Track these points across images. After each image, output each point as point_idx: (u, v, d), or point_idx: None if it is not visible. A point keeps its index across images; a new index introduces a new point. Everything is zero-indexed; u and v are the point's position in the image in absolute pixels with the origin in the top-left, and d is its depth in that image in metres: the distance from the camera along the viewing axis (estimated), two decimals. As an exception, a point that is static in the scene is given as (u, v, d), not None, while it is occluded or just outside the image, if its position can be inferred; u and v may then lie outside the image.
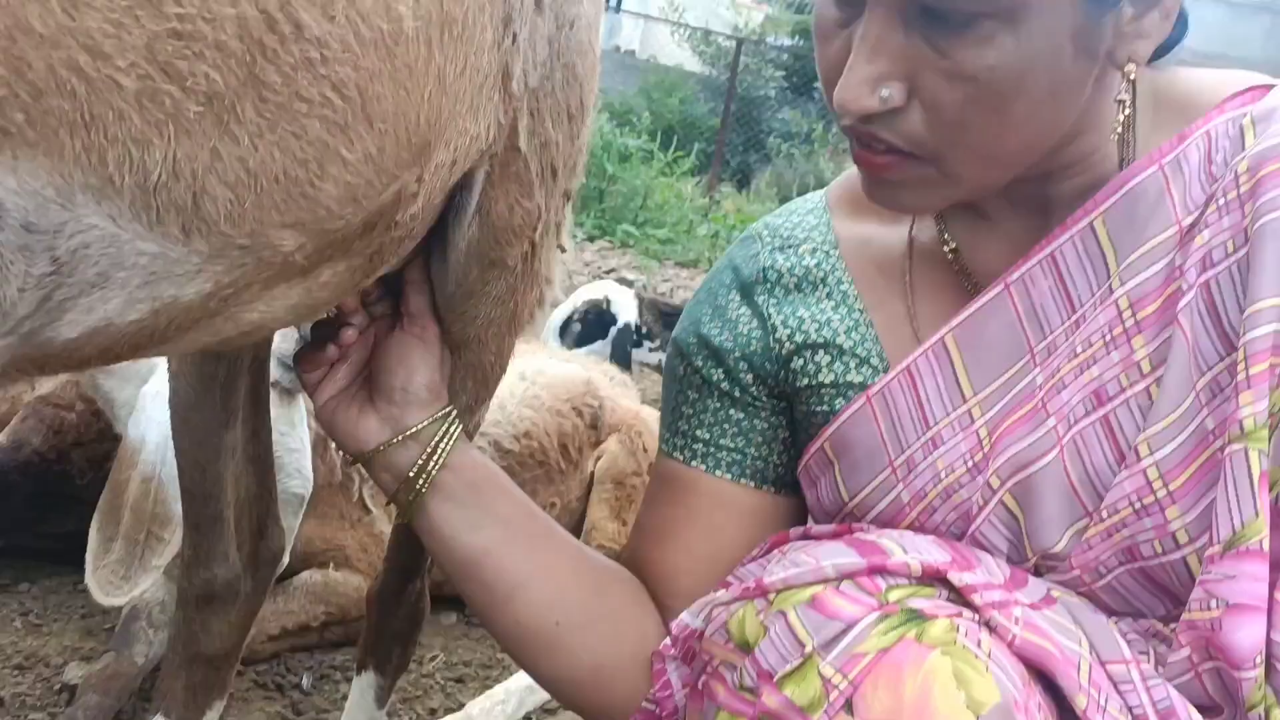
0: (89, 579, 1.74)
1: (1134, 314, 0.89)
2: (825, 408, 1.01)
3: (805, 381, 1.02)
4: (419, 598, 1.45)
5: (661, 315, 4.20)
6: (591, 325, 4.04)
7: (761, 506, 1.05)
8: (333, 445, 2.17)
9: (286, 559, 1.82)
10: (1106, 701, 0.82)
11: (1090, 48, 0.84)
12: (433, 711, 1.90)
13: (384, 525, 2.21)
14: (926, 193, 0.90)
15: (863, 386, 1.00)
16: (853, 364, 1.00)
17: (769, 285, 1.04)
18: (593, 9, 1.19)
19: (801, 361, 1.02)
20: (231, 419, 1.31)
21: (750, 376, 1.04)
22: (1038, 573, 0.92)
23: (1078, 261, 0.93)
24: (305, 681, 1.93)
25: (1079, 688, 0.81)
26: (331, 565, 2.12)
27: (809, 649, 0.82)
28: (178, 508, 1.63)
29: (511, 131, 1.08)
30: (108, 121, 0.71)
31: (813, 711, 0.80)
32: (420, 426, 1.07)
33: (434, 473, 1.06)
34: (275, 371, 1.84)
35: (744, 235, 1.09)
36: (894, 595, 0.84)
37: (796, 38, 18.91)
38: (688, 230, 8.60)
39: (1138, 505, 0.87)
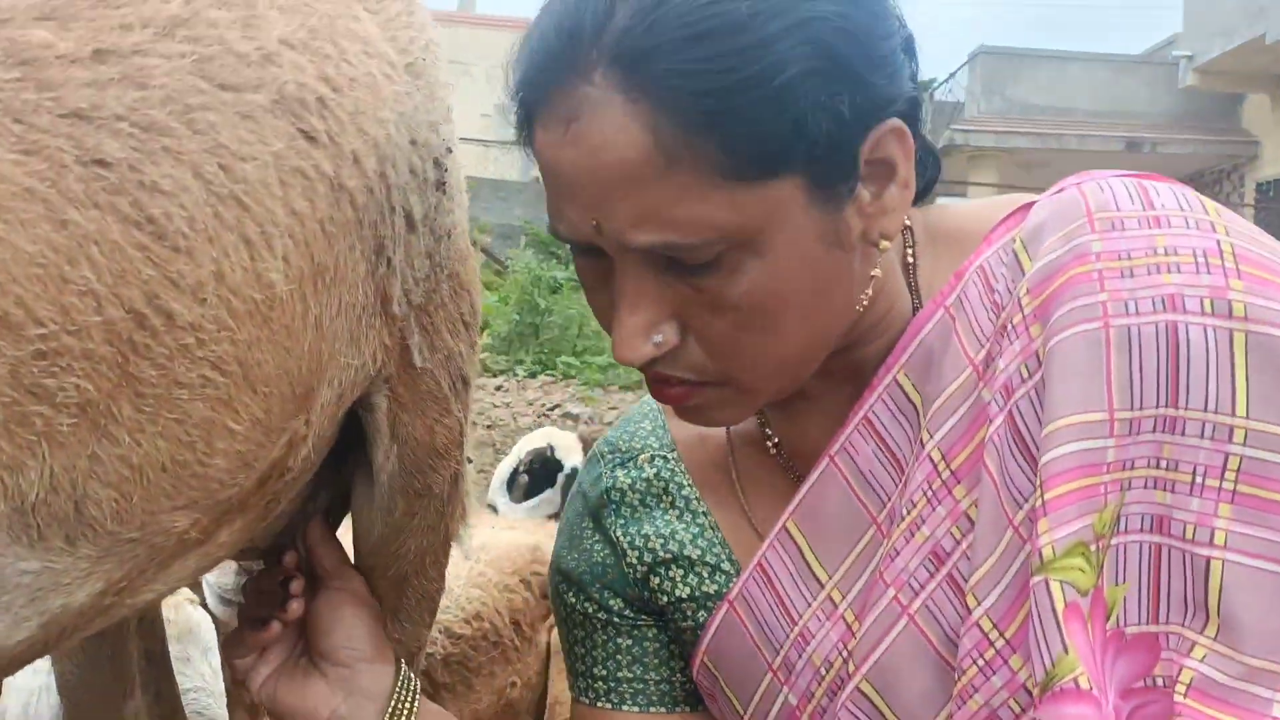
0: None
1: (948, 464, 0.87)
2: (690, 622, 0.99)
3: (665, 599, 1.00)
4: None
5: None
6: (538, 475, 4.01)
7: None
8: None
9: None
10: None
11: (841, 241, 0.84)
12: None
13: None
14: (731, 408, 0.90)
15: (719, 595, 0.98)
16: (705, 573, 0.99)
17: (614, 506, 1.03)
18: (463, 214, 1.20)
19: (657, 579, 1.00)
20: (130, 688, 1.27)
21: (619, 603, 1.02)
22: None
23: (892, 419, 0.91)
24: None
25: None
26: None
27: None
28: None
29: (402, 351, 1.07)
30: None
31: None
32: (381, 689, 1.07)
33: None
34: (212, 605, 1.77)
35: (589, 455, 1.08)
36: None
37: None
38: (627, 352, 8.66)
39: (980, 661, 0.83)
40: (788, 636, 0.94)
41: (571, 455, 4.04)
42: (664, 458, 1.03)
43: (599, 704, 1.03)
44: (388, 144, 1.02)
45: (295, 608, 1.08)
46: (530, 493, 3.96)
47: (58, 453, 0.74)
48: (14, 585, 0.76)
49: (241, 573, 1.62)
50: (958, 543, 0.86)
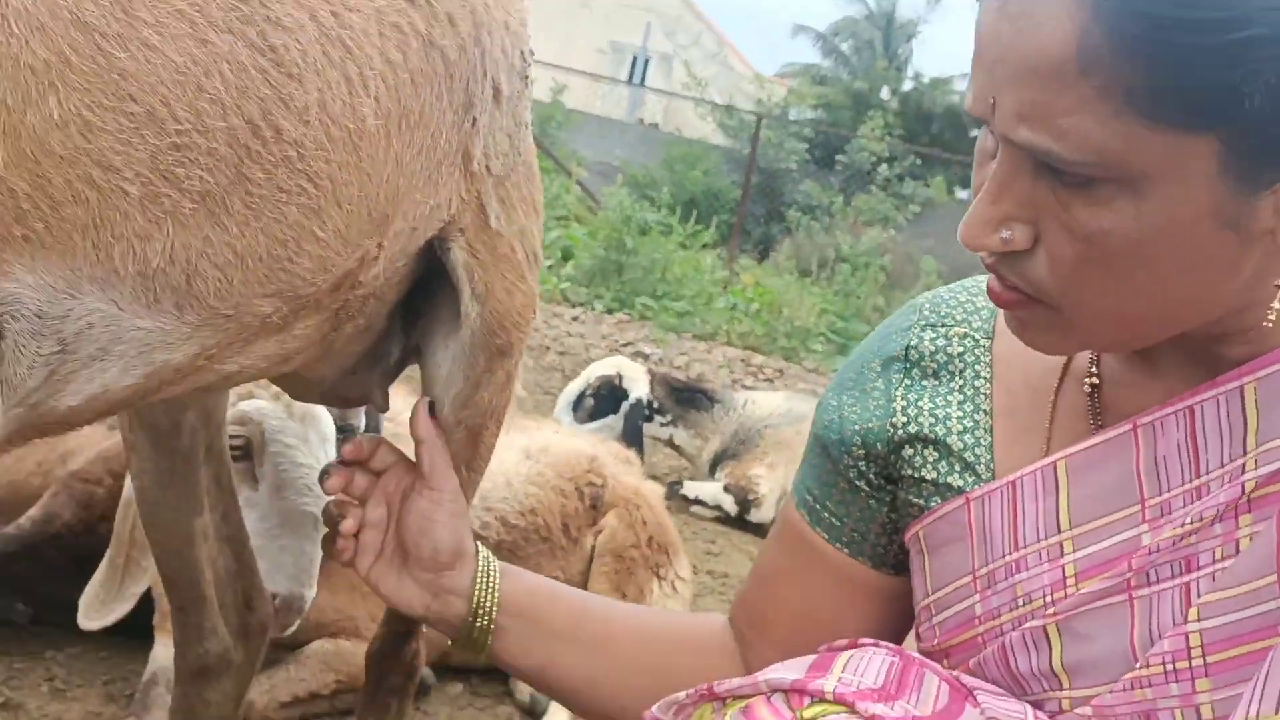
0: (81, 601, 1.81)
1: (1250, 494, 0.83)
2: (923, 502, 1.00)
3: (910, 472, 1.01)
4: (414, 655, 1.54)
5: (673, 391, 4.31)
6: (604, 400, 4.14)
7: (858, 575, 1.06)
8: (346, 519, 2.27)
9: (313, 591, 1.86)
10: None
11: (1239, 226, 0.78)
12: (435, 778, 1.98)
13: (393, 597, 2.30)
14: (1052, 336, 0.88)
15: (960, 491, 0.98)
16: (958, 467, 0.99)
17: (908, 365, 1.03)
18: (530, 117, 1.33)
19: (911, 452, 1.01)
20: (197, 507, 1.41)
21: (862, 453, 1.04)
22: (1063, 709, 0.90)
23: (1215, 423, 0.87)
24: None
25: None
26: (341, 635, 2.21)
27: None
28: None
29: (479, 209, 1.20)
30: (114, 222, 0.84)
31: None
32: (463, 586, 1.14)
33: (488, 628, 1.14)
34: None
35: (908, 303, 1.08)
36: (809, 713, 0.87)
37: (819, 110, 19.22)
38: (706, 303, 8.72)
39: (1170, 667, 0.83)
40: (1003, 556, 0.94)
41: (637, 387, 4.17)
42: (975, 340, 1.02)
43: (801, 511, 1.08)
44: (484, 13, 1.15)
45: (349, 527, 1.14)
46: (594, 416, 4.11)
47: (179, 231, 0.88)
48: (129, 338, 0.90)
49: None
50: (1215, 562, 0.84)
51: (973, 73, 0.82)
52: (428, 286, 1.25)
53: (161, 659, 1.99)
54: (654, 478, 3.41)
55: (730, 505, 4.03)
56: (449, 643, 1.18)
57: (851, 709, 0.86)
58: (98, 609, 1.81)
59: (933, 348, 1.02)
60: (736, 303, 8.88)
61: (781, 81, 21.38)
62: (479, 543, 1.19)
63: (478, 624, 1.14)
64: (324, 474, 1.17)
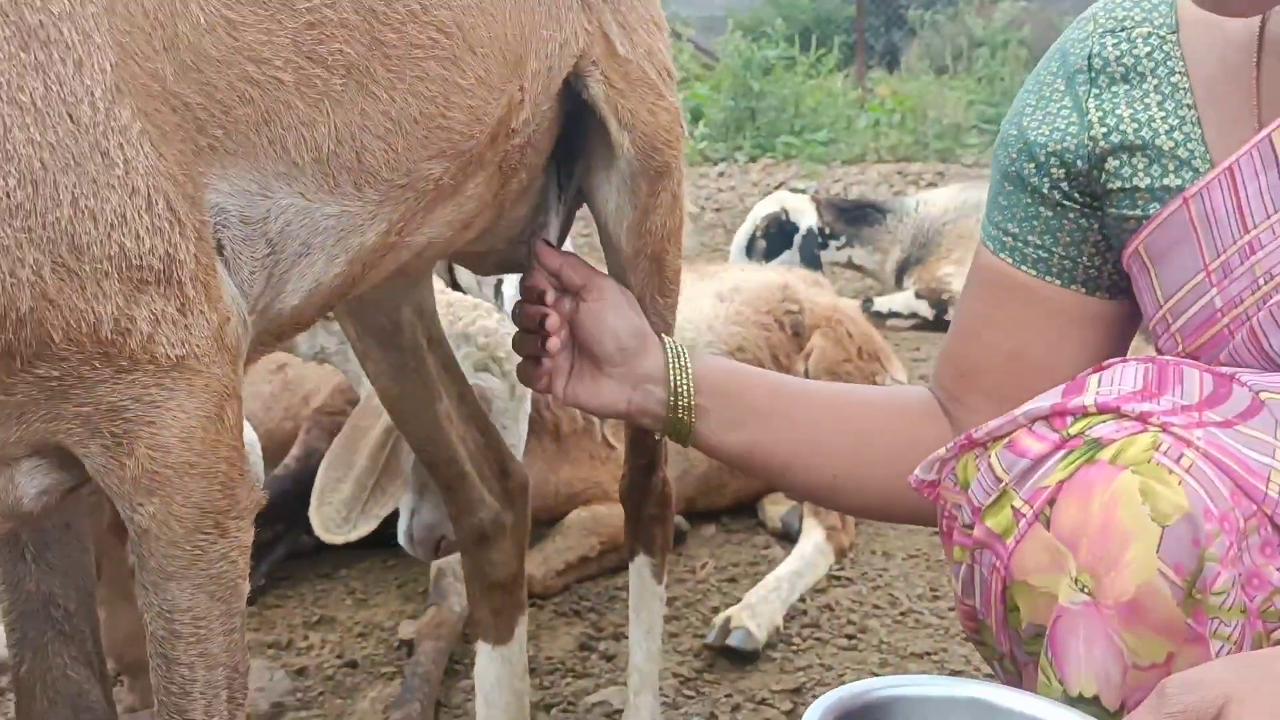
0: (312, 513, 1.90)
1: None
2: (1139, 212, 0.98)
3: (1118, 184, 0.99)
4: (664, 485, 1.60)
5: (841, 212, 4.25)
6: (775, 239, 4.13)
7: (1070, 305, 1.06)
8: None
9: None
10: None
11: None
12: (714, 609, 2.08)
13: (631, 457, 2.40)
14: None
15: (1178, 190, 0.96)
16: (1171, 166, 0.97)
17: (1093, 74, 1.01)
18: None
19: (1117, 163, 0.99)
20: (435, 394, 1.48)
21: (1062, 172, 1.02)
22: None
23: None
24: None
25: (1265, 497, 0.82)
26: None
27: (1004, 484, 0.89)
28: (408, 465, 1.83)
29: (605, 39, 1.20)
30: (280, 114, 0.88)
31: (1007, 537, 0.88)
32: (661, 368, 1.18)
33: (689, 405, 1.17)
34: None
35: (1080, 16, 1.06)
36: (1075, 428, 0.88)
37: (914, -100, 18.08)
38: (847, 127, 8.50)
39: None
40: (1234, 242, 0.92)
41: (805, 216, 4.13)
42: (1161, 38, 0.99)
43: (1001, 254, 1.08)
44: None
45: (553, 343, 1.18)
46: (769, 256, 4.10)
47: (337, 110, 0.90)
48: (324, 229, 0.94)
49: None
50: None
51: None
52: (576, 130, 1.26)
53: (448, 556, 2.14)
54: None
55: (926, 310, 3.98)
56: (656, 436, 1.21)
57: (1117, 413, 0.86)
58: (340, 524, 1.92)
59: (1118, 52, 1.00)
60: (879, 118, 8.60)
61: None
62: (662, 335, 1.22)
63: (679, 403, 1.17)
64: (535, 300, 1.21)
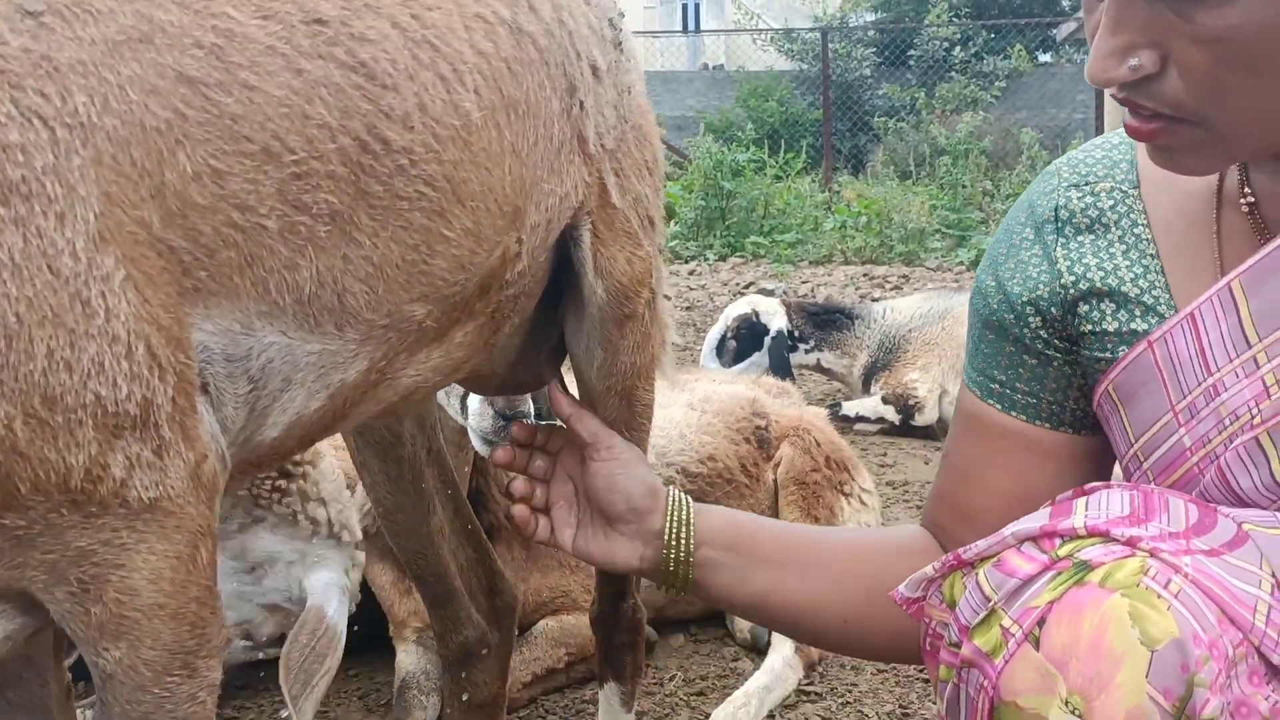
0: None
1: None
2: (1109, 354, 1.01)
3: (1089, 328, 1.02)
4: (634, 611, 1.61)
5: (811, 316, 4.30)
6: (745, 339, 4.17)
7: (1062, 446, 1.07)
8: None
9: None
10: None
11: None
12: (683, 725, 2.05)
13: (600, 565, 2.38)
14: (1203, 155, 0.89)
15: (1144, 334, 0.99)
16: (1138, 312, 1.00)
17: (1060, 225, 1.04)
18: (639, 75, 1.34)
19: (1087, 308, 1.02)
20: (430, 506, 1.49)
21: (1039, 320, 1.05)
22: None
23: None
24: None
25: (1252, 626, 0.83)
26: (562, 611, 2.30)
27: (993, 603, 0.89)
28: (339, 631, 1.77)
29: (601, 189, 1.22)
30: (263, 258, 0.89)
31: (995, 656, 0.88)
32: (663, 528, 1.19)
33: (685, 559, 1.18)
34: (477, 446, 1.99)
35: (1044, 171, 1.09)
36: (1064, 550, 0.88)
37: (878, 12, 18.71)
38: (814, 228, 8.65)
39: None
40: (1199, 384, 0.95)
41: (776, 319, 4.18)
42: (1124, 192, 1.02)
43: (989, 400, 1.10)
44: None
45: (519, 487, 1.22)
46: (739, 357, 4.13)
47: (320, 255, 0.92)
48: (305, 364, 0.95)
49: (497, 417, 1.85)
50: None
51: None
52: (559, 269, 1.28)
53: (407, 665, 2.11)
54: (811, 405, 3.42)
55: (893, 415, 4.02)
56: (663, 589, 1.22)
57: (1106, 537, 0.87)
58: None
59: (1082, 205, 1.03)
60: (845, 220, 8.77)
61: (834, -9, 20.85)
62: (669, 488, 1.23)
63: (674, 556, 1.18)
64: (490, 446, 1.23)
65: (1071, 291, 1.03)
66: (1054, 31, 15.63)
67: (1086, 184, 1.05)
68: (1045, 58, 16.71)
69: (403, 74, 0.96)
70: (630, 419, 1.36)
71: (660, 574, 1.20)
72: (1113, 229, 1.02)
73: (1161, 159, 0.91)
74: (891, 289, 6.89)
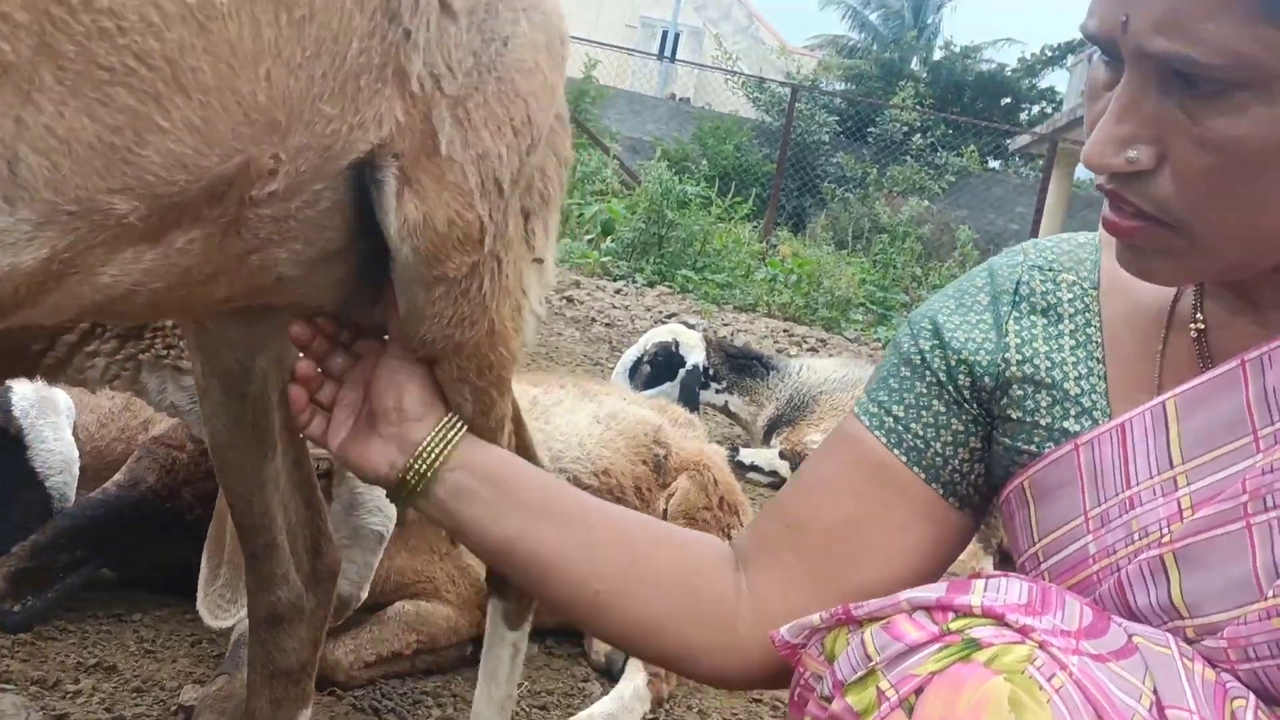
0: (200, 605, 1.83)
1: None
2: (1033, 447, 1.01)
3: (1018, 415, 1.01)
4: None
5: (729, 358, 4.29)
6: (660, 367, 4.14)
7: (923, 500, 1.05)
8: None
9: (365, 594, 1.92)
10: None
11: None
12: (520, 736, 1.99)
13: (471, 558, 2.31)
14: (1174, 263, 0.88)
15: (1074, 435, 0.98)
16: (1073, 411, 0.99)
17: (1018, 299, 1.03)
18: (534, 31, 1.18)
19: (1021, 394, 1.01)
20: (270, 451, 1.36)
21: (966, 380, 1.04)
22: (1193, 640, 0.90)
23: None
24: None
25: None
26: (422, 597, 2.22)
27: (874, 663, 0.88)
28: None
29: (425, 134, 1.07)
30: None
31: (866, 716, 0.86)
32: (424, 439, 1.13)
33: (425, 473, 1.11)
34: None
35: (1010, 249, 1.08)
36: (956, 625, 0.87)
37: (848, 83, 19.06)
38: (745, 275, 8.70)
39: None
40: (1116, 495, 0.94)
41: (695, 352, 4.16)
42: (1083, 289, 1.02)
43: (876, 432, 1.06)
44: None
45: (296, 394, 1.15)
46: (651, 382, 4.10)
47: None
48: None
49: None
50: None
51: None
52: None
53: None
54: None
55: (786, 471, 4.01)
56: (390, 496, 1.14)
57: (1000, 620, 0.86)
58: (225, 607, 1.81)
59: (1043, 289, 1.03)
60: (776, 274, 8.85)
61: (810, 53, 21.22)
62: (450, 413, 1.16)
63: (417, 465, 1.11)
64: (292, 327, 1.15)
65: (1012, 369, 1.01)
66: (1009, 141, 16.10)
67: (1051, 270, 1.04)
68: (994, 164, 17.19)
69: None
70: (458, 388, 1.21)
71: (396, 476, 1.12)
72: (1066, 321, 1.02)
73: (1129, 259, 0.91)
74: (808, 349, 6.95)
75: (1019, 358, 1.01)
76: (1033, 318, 1.02)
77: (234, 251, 1.01)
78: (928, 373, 1.05)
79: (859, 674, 0.88)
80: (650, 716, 2.20)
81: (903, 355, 1.08)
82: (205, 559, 1.87)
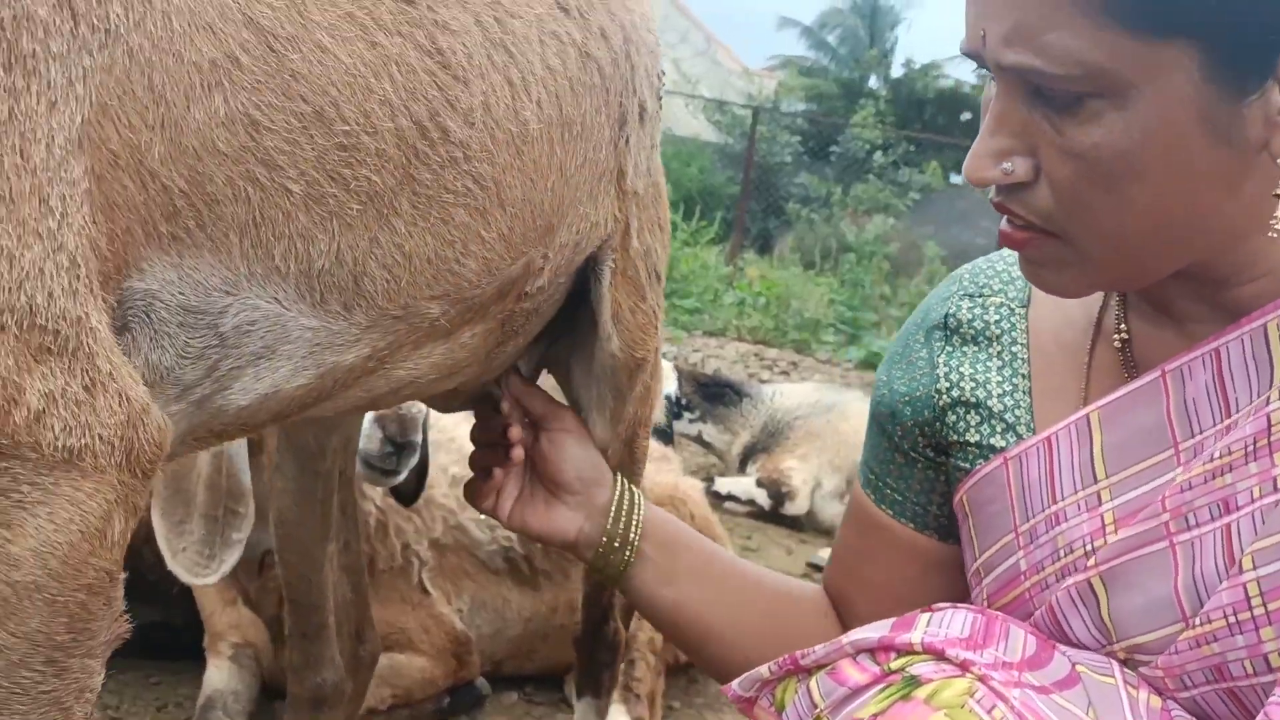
0: (172, 564, 1.75)
1: None
2: (967, 465, 1.03)
3: (955, 437, 1.04)
4: (615, 633, 1.68)
5: (700, 387, 4.26)
6: (630, 399, 4.10)
7: (926, 549, 1.08)
8: (392, 530, 2.22)
9: None
10: None
11: (1231, 137, 0.80)
12: (501, 791, 1.93)
13: (443, 606, 2.25)
14: (1067, 273, 0.89)
15: (1004, 450, 1.00)
16: (999, 428, 1.01)
17: (948, 333, 1.06)
18: (659, 135, 1.34)
19: (954, 417, 1.03)
20: (329, 532, 1.42)
21: (911, 422, 1.06)
22: (1128, 663, 0.91)
23: (1241, 362, 0.88)
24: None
25: None
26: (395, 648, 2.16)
27: (819, 710, 0.90)
28: (247, 480, 1.71)
29: (625, 229, 1.21)
30: (276, 221, 0.84)
31: None
32: (611, 503, 1.19)
33: (635, 543, 1.17)
34: (360, 469, 1.89)
35: (950, 275, 1.11)
36: (896, 664, 0.88)
37: (810, 103, 19.19)
38: (714, 299, 8.69)
39: (1232, 619, 0.83)
40: (1043, 510, 0.96)
41: (665, 384, 4.13)
42: (1011, 309, 1.04)
43: (866, 490, 1.12)
44: (633, 30, 1.17)
45: (518, 454, 1.21)
46: (622, 415, 4.06)
47: (345, 231, 0.88)
48: (296, 337, 0.89)
49: (386, 442, 1.75)
50: (1254, 501, 0.84)
51: (966, 14, 0.85)
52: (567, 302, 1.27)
53: (215, 682, 1.94)
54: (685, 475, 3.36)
55: (764, 499, 3.98)
56: (595, 571, 1.21)
57: (940, 656, 0.87)
58: (204, 564, 1.75)
59: (970, 316, 1.06)
60: (744, 297, 8.84)
61: (769, 74, 21.38)
62: (618, 474, 1.23)
63: (613, 542, 1.16)
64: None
65: (944, 398, 1.04)
66: (970, 156, 16.19)
67: (980, 295, 1.07)
68: (957, 180, 17.36)
69: (475, 71, 0.96)
70: (631, 466, 1.36)
71: (596, 553, 1.18)
72: (994, 343, 1.04)
73: (1029, 271, 0.92)
74: (780, 373, 6.93)
75: (948, 384, 1.05)
76: (963, 348, 1.05)
77: (494, 342, 1.14)
78: (885, 426, 1.09)
79: None
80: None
81: (872, 411, 1.12)
82: (159, 517, 1.77)
